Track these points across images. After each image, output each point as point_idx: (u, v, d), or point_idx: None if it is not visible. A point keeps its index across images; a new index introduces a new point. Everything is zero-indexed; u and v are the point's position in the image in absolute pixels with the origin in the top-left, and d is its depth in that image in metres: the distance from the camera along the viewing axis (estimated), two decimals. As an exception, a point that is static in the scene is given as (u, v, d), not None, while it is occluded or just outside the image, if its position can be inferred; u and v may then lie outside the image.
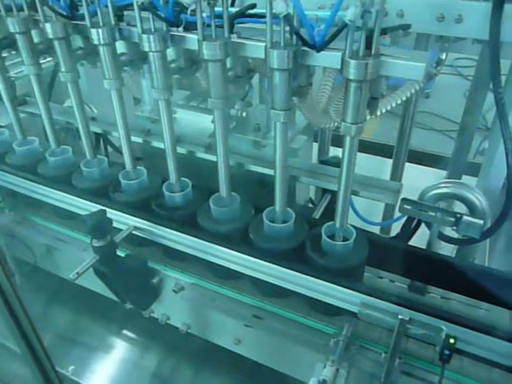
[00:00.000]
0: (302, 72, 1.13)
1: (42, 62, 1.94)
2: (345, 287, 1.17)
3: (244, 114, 1.62)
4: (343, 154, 1.11)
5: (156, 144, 1.68)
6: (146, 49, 1.17)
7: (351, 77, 0.95)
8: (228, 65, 1.28)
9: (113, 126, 1.52)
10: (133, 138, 1.54)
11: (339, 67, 0.98)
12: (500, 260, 1.67)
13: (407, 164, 2.30)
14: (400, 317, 1.08)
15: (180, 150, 1.52)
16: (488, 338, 1.04)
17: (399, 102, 1.26)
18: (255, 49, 1.09)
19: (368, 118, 1.16)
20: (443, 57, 1.76)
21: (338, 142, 2.00)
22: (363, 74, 0.94)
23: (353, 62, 0.93)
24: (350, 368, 1.19)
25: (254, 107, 1.72)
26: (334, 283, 1.18)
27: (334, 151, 2.17)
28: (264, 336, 1.39)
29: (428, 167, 2.66)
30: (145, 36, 1.15)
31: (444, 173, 2.42)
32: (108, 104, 1.42)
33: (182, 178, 1.48)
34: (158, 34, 1.14)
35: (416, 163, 2.60)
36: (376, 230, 2.33)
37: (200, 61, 1.29)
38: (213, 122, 1.28)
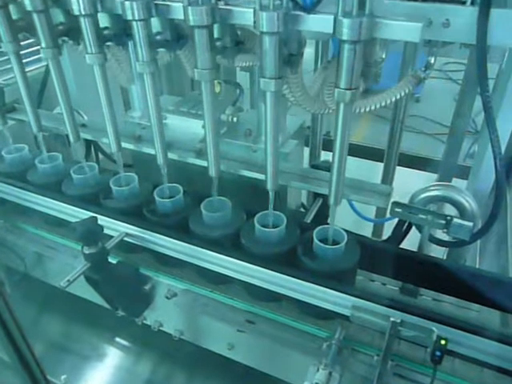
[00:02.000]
0: (292, 39, 1.09)
1: (31, 69, 1.94)
2: (337, 290, 1.18)
3: (235, 119, 1.63)
4: (336, 124, 1.07)
5: (146, 150, 1.67)
6: (129, 17, 1.12)
7: (344, 37, 0.92)
8: (216, 35, 1.24)
9: (103, 132, 1.52)
10: (123, 145, 1.54)
11: (331, 31, 0.95)
12: (490, 261, 1.68)
13: (398, 167, 2.32)
14: (392, 319, 1.09)
15: (171, 155, 1.52)
16: (479, 339, 1.05)
17: (393, 99, 1.25)
18: (243, 15, 1.05)
19: (361, 109, 1.14)
20: (432, 61, 1.78)
21: (329, 146, 2.01)
22: (357, 34, 0.91)
23: (346, 21, 0.90)
24: (343, 371, 1.19)
25: (244, 112, 1.72)
26: (326, 287, 1.19)
27: (325, 156, 2.17)
28: (257, 341, 1.38)
29: (418, 170, 2.68)
30: (127, 3, 1.10)
31: (434, 176, 2.44)
32: (98, 110, 1.42)
33: (174, 184, 1.48)
34: (141, 2, 1.10)
35: (407, 166, 2.62)
36: (368, 232, 2.35)
37: (186, 35, 1.26)
38: (203, 127, 1.28)
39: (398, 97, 1.27)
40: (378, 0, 0.97)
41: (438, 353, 1.03)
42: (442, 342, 1.03)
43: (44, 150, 1.65)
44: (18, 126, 1.92)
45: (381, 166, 2.36)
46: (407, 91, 1.27)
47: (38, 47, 1.36)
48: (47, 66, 1.53)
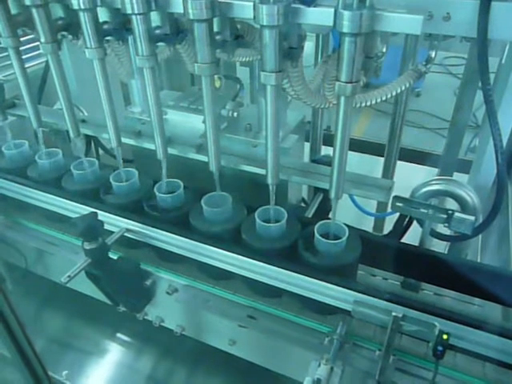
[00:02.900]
0: (293, 32, 1.09)
1: (31, 64, 1.93)
2: (338, 285, 1.17)
3: (235, 114, 1.62)
4: (337, 118, 1.07)
5: (147, 145, 1.67)
6: (129, 11, 1.12)
7: (345, 30, 0.92)
8: (216, 29, 1.23)
9: (103, 127, 1.51)
10: (123, 140, 1.53)
11: (332, 24, 0.95)
12: (492, 256, 1.68)
13: (399, 162, 2.31)
14: (393, 314, 1.08)
15: (171, 150, 1.51)
16: (481, 333, 1.05)
17: (394, 93, 1.25)
18: (243, 8, 1.05)
19: (362, 103, 1.13)
20: (433, 55, 1.77)
21: (329, 141, 2.01)
22: (358, 26, 0.90)
23: (346, 13, 0.90)
24: (345, 366, 1.19)
25: (245, 107, 1.72)
26: (328, 282, 1.18)
27: (326, 150, 2.17)
28: (258, 336, 1.38)
29: (419, 165, 2.67)
30: None
31: (435, 170, 2.43)
32: (98, 105, 1.41)
33: (174, 179, 1.48)
34: None
35: (407, 161, 2.61)
36: (369, 227, 2.35)
37: (186, 29, 1.25)
38: (203, 122, 1.27)
39: (399, 91, 1.27)
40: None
41: (440, 347, 1.03)
42: (444, 336, 1.03)
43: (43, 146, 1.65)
44: (18, 122, 1.92)
45: (381, 160, 2.36)
46: (408, 85, 1.26)
47: (38, 43, 1.36)
48: (47, 61, 1.52)
